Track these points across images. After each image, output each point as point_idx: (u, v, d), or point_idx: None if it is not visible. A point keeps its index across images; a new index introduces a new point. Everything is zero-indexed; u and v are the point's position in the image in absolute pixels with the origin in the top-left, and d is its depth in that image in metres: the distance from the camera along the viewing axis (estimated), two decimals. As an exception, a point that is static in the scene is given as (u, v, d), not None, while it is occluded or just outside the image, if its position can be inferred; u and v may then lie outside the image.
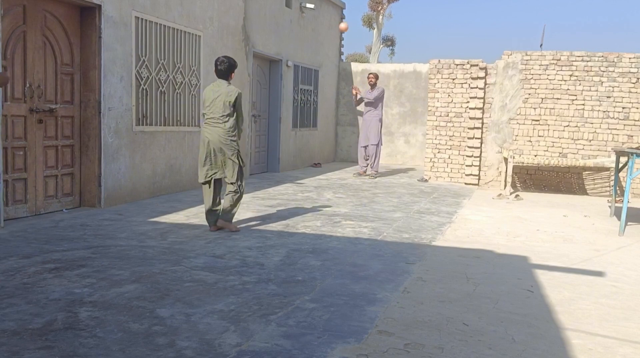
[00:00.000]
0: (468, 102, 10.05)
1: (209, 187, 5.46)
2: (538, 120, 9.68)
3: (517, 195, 8.80)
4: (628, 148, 7.31)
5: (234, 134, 5.39)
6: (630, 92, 9.25)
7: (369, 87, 10.74)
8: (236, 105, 5.35)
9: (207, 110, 5.39)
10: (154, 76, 7.33)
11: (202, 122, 5.54)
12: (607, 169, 9.37)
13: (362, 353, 2.81)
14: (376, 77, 10.72)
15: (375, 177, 10.63)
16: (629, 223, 6.71)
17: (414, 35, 67.60)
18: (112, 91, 6.56)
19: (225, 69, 5.39)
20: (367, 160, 10.81)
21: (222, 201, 5.56)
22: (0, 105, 5.32)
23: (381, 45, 30.22)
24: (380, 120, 10.72)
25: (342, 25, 10.77)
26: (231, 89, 5.35)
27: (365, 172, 10.82)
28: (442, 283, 4.06)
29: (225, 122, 5.34)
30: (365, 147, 10.74)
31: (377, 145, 10.66)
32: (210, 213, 5.50)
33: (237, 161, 5.39)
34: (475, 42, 72.07)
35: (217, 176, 5.42)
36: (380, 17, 29.37)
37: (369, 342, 2.95)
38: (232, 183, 5.43)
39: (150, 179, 7.34)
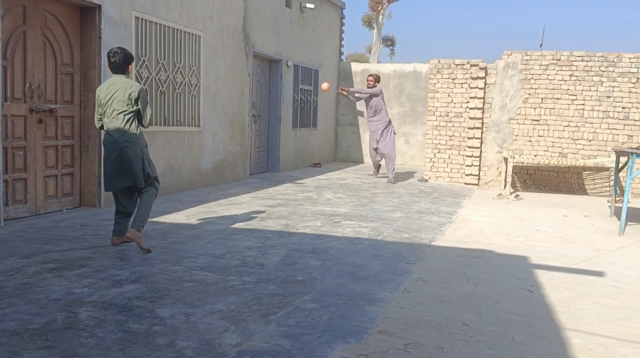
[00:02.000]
0: (468, 102, 10.05)
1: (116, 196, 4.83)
2: (538, 120, 9.68)
3: (517, 195, 8.80)
4: (628, 148, 7.31)
5: (138, 132, 4.71)
6: (630, 92, 9.25)
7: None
8: (140, 101, 4.64)
9: (106, 109, 4.63)
10: (154, 76, 7.33)
11: (98, 125, 4.78)
12: (607, 169, 9.37)
13: (362, 353, 2.81)
14: (376, 79, 10.06)
15: (394, 183, 10.05)
16: (629, 223, 6.71)
17: (414, 35, 67.62)
18: (112, 91, 6.55)
19: (120, 61, 4.61)
20: (380, 161, 10.53)
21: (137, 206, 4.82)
22: (0, 105, 5.32)
23: (381, 45, 30.23)
24: (391, 125, 10.23)
25: (324, 86, 9.55)
26: (131, 82, 4.66)
27: (377, 172, 10.86)
28: (442, 283, 4.06)
29: (128, 120, 4.63)
30: (376, 149, 10.26)
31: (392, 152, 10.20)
32: (116, 222, 4.86)
33: (145, 160, 4.72)
34: (475, 42, 72.10)
35: (124, 184, 4.67)
36: (380, 17, 29.38)
37: (369, 342, 2.95)
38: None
39: (150, 178, 7.33)
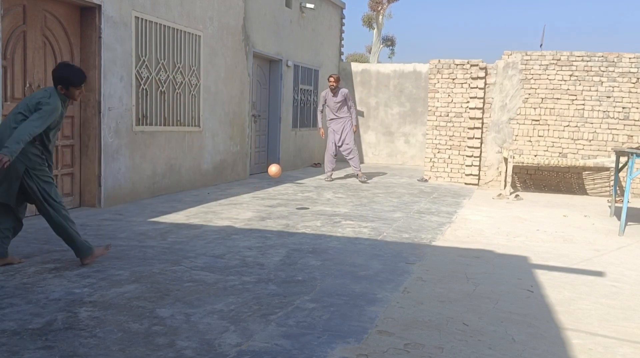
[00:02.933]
0: (468, 102, 10.05)
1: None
2: (538, 120, 9.68)
3: (517, 195, 8.80)
4: (628, 148, 7.31)
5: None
6: (630, 92, 9.25)
7: (331, 92, 9.68)
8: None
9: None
10: (154, 76, 7.33)
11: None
12: (607, 169, 9.37)
13: (362, 353, 2.81)
14: (337, 80, 9.61)
15: (367, 180, 9.95)
16: (629, 223, 6.71)
17: (414, 35, 67.70)
18: (112, 91, 6.56)
19: (56, 77, 4.05)
20: (351, 160, 9.82)
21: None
22: (0, 105, 5.32)
23: (381, 45, 30.23)
24: (353, 125, 9.83)
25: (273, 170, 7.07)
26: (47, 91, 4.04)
27: (331, 176, 10.04)
28: (442, 283, 4.06)
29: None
30: (340, 146, 9.79)
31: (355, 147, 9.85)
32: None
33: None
34: (475, 42, 72.14)
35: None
36: (380, 17, 29.39)
37: (369, 342, 2.95)
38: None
39: (150, 178, 7.34)
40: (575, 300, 3.81)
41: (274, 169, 6.86)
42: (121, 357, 2.67)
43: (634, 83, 9.23)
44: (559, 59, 9.53)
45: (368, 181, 10.02)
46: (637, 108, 9.23)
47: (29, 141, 3.80)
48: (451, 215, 6.93)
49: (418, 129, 13.60)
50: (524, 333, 3.17)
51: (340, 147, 9.87)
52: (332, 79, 9.63)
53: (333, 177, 10.24)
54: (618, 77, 9.28)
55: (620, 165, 7.31)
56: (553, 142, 9.62)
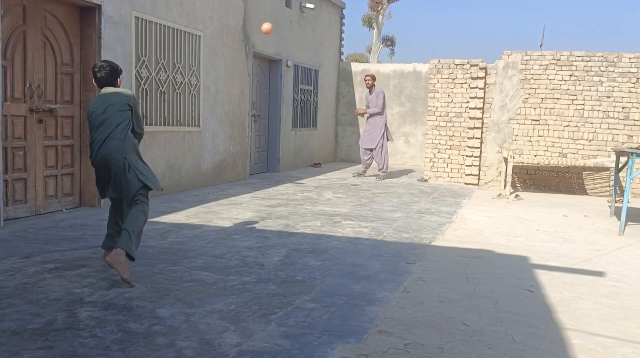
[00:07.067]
0: (468, 102, 10.05)
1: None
2: (538, 120, 9.68)
3: (517, 195, 8.80)
4: (628, 148, 7.30)
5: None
6: (630, 92, 9.25)
7: (368, 90, 10.37)
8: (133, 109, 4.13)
9: (100, 129, 4.01)
10: (154, 76, 7.33)
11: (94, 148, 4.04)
12: (607, 169, 9.37)
13: (362, 353, 2.81)
14: (373, 78, 10.23)
15: (383, 179, 10.42)
16: (629, 223, 6.71)
17: (414, 35, 67.75)
18: (112, 91, 6.55)
19: (107, 75, 4.15)
20: (367, 160, 10.55)
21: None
22: (0, 105, 5.32)
23: (381, 45, 30.24)
24: (385, 125, 10.32)
25: (265, 27, 8.16)
26: (123, 91, 4.19)
27: (365, 172, 10.74)
28: (442, 283, 4.06)
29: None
30: (371, 149, 10.37)
31: (382, 146, 10.33)
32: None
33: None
34: (475, 42, 72.16)
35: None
36: (380, 17, 29.40)
37: (369, 342, 2.95)
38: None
39: (150, 178, 7.33)
40: (575, 300, 3.81)
41: (266, 25, 7.79)
42: (121, 357, 2.67)
43: (634, 83, 9.23)
44: (559, 59, 9.53)
45: (382, 179, 10.42)
46: (637, 108, 9.23)
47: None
48: (451, 215, 6.93)
49: (418, 129, 13.60)
50: (524, 333, 3.17)
51: (374, 149, 10.36)
52: (368, 78, 10.19)
53: (362, 174, 10.79)
54: (618, 77, 9.28)
55: (620, 165, 7.31)
56: (553, 142, 9.63)
